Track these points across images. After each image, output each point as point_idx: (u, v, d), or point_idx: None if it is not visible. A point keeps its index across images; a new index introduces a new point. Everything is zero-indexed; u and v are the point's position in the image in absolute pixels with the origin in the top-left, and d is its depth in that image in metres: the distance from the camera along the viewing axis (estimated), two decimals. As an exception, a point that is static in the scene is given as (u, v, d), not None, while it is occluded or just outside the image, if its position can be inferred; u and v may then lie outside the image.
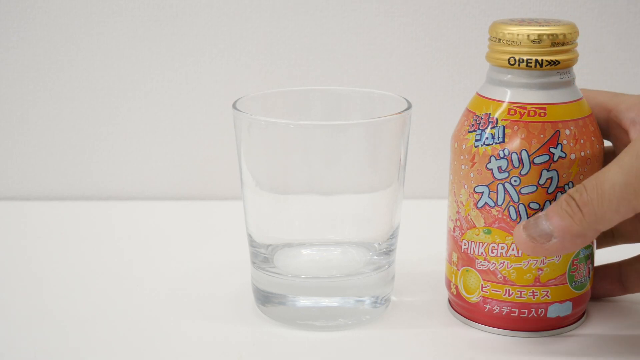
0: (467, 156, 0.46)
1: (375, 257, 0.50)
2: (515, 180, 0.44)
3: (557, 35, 0.44)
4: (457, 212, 0.47)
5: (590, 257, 0.47)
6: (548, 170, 0.44)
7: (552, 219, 0.42)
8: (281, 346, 0.47)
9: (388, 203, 0.49)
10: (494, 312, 0.47)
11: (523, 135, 0.44)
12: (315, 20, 0.69)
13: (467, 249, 0.47)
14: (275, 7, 0.69)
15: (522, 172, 0.44)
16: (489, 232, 0.46)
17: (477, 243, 0.46)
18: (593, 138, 0.45)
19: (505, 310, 0.47)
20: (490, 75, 0.46)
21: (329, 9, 0.69)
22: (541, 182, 0.44)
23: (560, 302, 0.46)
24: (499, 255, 0.46)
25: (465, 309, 0.49)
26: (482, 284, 0.47)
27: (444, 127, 0.72)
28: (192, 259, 0.60)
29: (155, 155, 0.72)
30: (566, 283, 0.46)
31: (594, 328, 0.49)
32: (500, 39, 0.45)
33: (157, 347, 0.47)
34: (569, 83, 0.45)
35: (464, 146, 0.46)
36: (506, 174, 0.44)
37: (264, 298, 0.50)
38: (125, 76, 0.70)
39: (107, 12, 0.69)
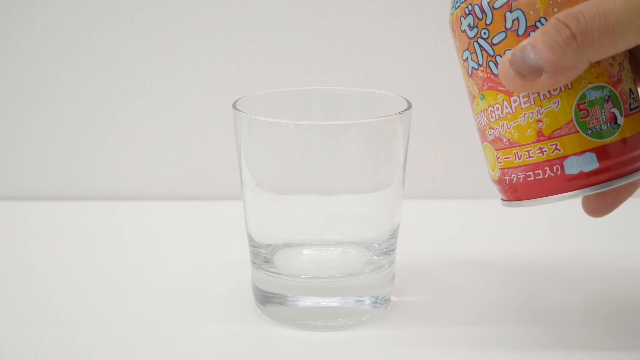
0: (451, 30, 0.44)
1: (375, 257, 0.50)
2: (484, 33, 0.42)
3: None
4: (467, 92, 0.45)
5: (611, 98, 0.42)
6: (511, 12, 0.41)
7: (541, 51, 0.39)
8: (281, 346, 0.47)
9: (388, 203, 0.49)
10: (513, 182, 0.43)
11: None
12: (315, 20, 0.69)
13: (478, 123, 0.44)
14: (275, 7, 0.69)
15: (487, 22, 0.41)
16: (483, 98, 0.43)
17: (480, 113, 0.44)
18: None
19: (521, 176, 0.43)
20: None
21: (329, 9, 0.69)
22: (508, 26, 0.41)
23: (577, 154, 0.41)
24: (497, 117, 0.43)
25: (500, 190, 0.45)
26: (496, 155, 0.43)
27: (444, 127, 0.72)
28: (192, 259, 0.60)
29: (155, 155, 0.72)
30: (578, 131, 0.41)
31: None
32: None
33: (157, 347, 0.47)
34: None
35: (449, 22, 0.45)
36: (476, 30, 0.42)
37: (264, 298, 0.50)
38: (125, 76, 0.70)
39: (107, 12, 0.69)
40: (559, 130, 0.41)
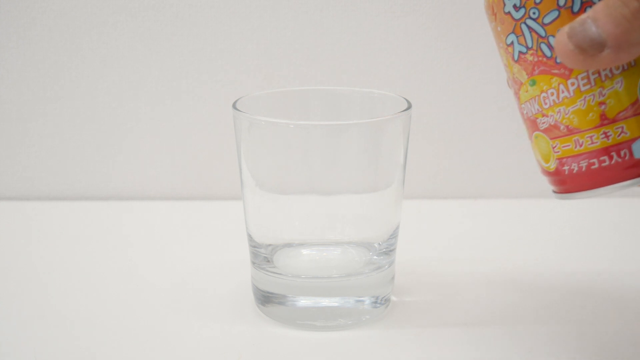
0: (490, 14, 0.41)
1: (375, 257, 0.50)
2: (534, 13, 0.39)
3: None
4: (509, 79, 0.42)
5: None
6: None
7: (605, 25, 0.35)
8: (281, 346, 0.47)
9: (388, 203, 0.49)
10: (574, 171, 0.40)
11: None
12: (315, 20, 0.69)
13: (527, 112, 0.41)
14: (275, 7, 0.69)
15: (537, 1, 0.38)
16: (534, 83, 0.40)
17: (530, 101, 0.40)
18: None
19: (583, 165, 0.39)
20: None
21: (329, 9, 0.69)
22: (560, 3, 0.38)
23: None
24: (552, 103, 0.39)
25: (555, 182, 0.42)
26: (551, 145, 0.40)
27: (444, 127, 0.72)
28: (192, 259, 0.60)
29: (156, 155, 0.72)
30: None
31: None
32: None
33: (157, 347, 0.47)
34: None
35: (486, 6, 0.42)
36: (523, 10, 0.39)
37: (264, 298, 0.50)
38: (125, 76, 0.70)
39: (107, 12, 0.69)
40: (624, 112, 0.38)
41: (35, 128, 0.72)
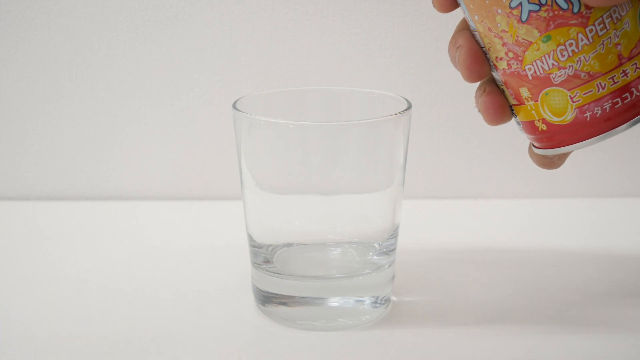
0: None
1: (375, 257, 0.50)
2: None
3: None
4: (503, 46, 0.43)
5: None
6: None
7: None
8: (281, 346, 0.47)
9: (388, 203, 0.49)
10: (597, 115, 0.42)
11: None
12: (315, 20, 0.69)
13: (535, 71, 0.42)
14: (275, 7, 0.69)
15: None
16: (548, 39, 0.41)
17: (543, 57, 0.42)
18: None
19: (607, 106, 0.41)
20: None
21: (329, 9, 0.69)
22: None
23: None
24: (571, 54, 0.41)
25: (566, 135, 0.43)
26: (569, 96, 0.42)
27: (444, 127, 0.72)
28: (192, 259, 0.60)
29: (155, 155, 0.72)
30: None
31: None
32: None
33: (156, 347, 0.47)
34: None
35: None
36: None
37: (264, 298, 0.50)
38: (125, 76, 0.70)
39: (107, 12, 0.69)
40: (635, 49, 0.41)
41: (35, 128, 0.72)
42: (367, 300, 0.50)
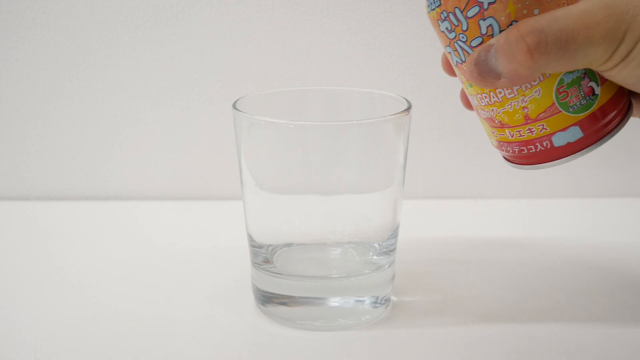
0: (432, 25, 0.46)
1: (375, 257, 0.50)
2: (462, 37, 0.44)
3: None
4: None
5: (587, 74, 0.44)
6: (484, 20, 0.43)
7: (502, 59, 0.41)
8: (281, 346, 0.47)
9: (388, 203, 0.49)
10: (509, 152, 0.47)
11: None
12: (315, 20, 0.69)
13: (472, 102, 0.47)
14: (275, 7, 0.69)
15: (463, 29, 0.43)
16: (471, 86, 0.45)
17: (472, 96, 0.46)
18: None
19: (515, 149, 0.46)
20: None
21: (329, 9, 0.69)
22: (483, 32, 0.43)
23: (563, 130, 0.45)
24: (486, 103, 0.45)
25: (502, 155, 0.48)
26: (491, 130, 0.47)
27: (444, 127, 0.72)
28: (192, 259, 0.60)
29: (155, 155, 0.72)
30: (560, 111, 0.44)
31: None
32: None
33: (156, 347, 0.47)
34: None
35: (428, 18, 0.46)
36: (454, 33, 0.44)
37: (264, 298, 0.50)
38: (125, 76, 0.70)
39: (107, 12, 0.69)
40: (543, 114, 0.44)
41: (35, 128, 0.72)
42: (367, 300, 0.50)
